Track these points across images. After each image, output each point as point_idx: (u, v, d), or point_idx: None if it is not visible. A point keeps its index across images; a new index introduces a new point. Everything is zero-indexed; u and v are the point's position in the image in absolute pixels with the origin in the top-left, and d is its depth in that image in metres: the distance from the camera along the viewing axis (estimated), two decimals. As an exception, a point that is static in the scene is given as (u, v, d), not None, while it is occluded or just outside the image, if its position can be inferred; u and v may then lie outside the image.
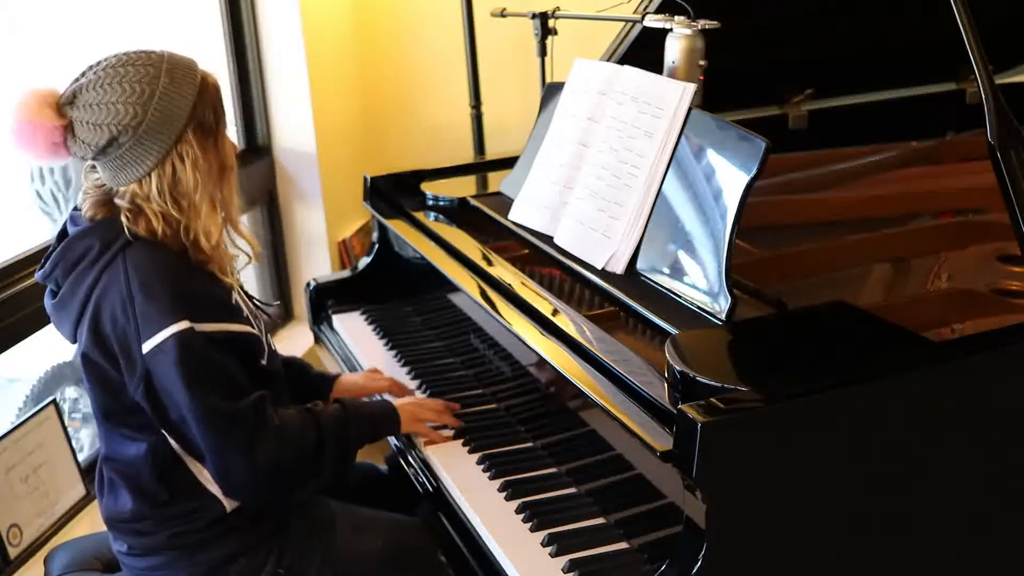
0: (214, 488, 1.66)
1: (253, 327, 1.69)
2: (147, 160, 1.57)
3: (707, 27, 1.86)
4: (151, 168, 1.57)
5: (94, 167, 1.64)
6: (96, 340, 1.60)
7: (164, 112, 1.56)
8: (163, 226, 1.60)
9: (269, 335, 1.77)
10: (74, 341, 1.66)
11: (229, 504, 1.67)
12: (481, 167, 2.66)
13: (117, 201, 1.62)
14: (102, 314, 1.59)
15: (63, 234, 1.68)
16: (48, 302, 1.68)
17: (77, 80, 1.58)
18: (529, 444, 1.84)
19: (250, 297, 1.77)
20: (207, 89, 1.62)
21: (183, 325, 1.55)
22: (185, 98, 1.58)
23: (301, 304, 3.21)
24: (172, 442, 1.64)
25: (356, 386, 2.07)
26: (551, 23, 2.51)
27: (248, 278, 3.24)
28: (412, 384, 2.12)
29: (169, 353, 1.54)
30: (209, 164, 1.62)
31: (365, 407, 1.85)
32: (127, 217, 1.60)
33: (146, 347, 1.55)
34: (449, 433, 1.89)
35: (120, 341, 1.58)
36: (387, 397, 2.05)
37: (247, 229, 1.77)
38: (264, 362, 1.70)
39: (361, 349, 2.32)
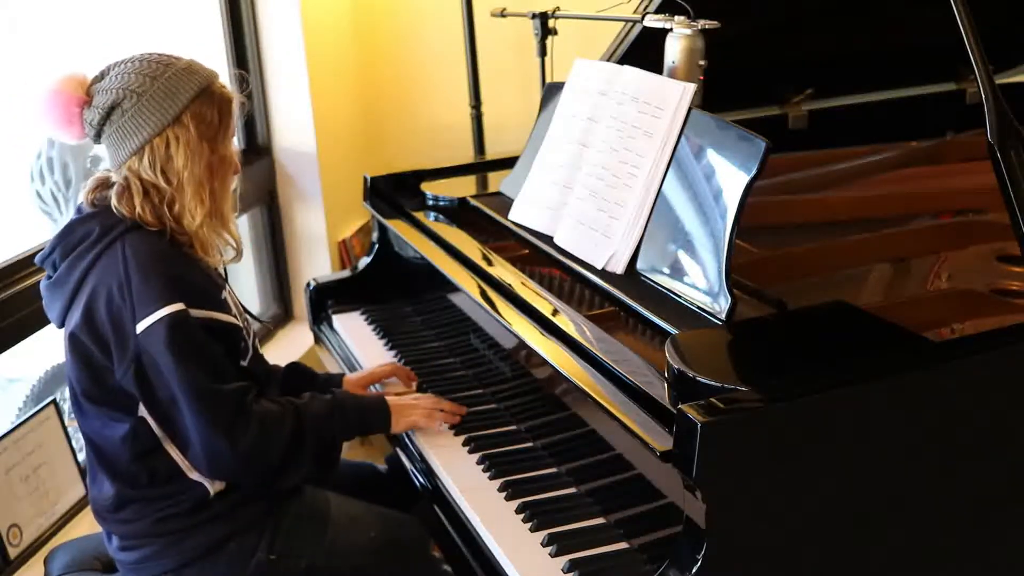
0: (195, 474, 1.68)
1: (239, 323, 1.73)
2: (144, 130, 1.63)
3: (707, 27, 1.86)
4: (147, 139, 1.64)
5: (107, 170, 1.71)
6: (88, 322, 1.63)
7: (168, 89, 1.64)
8: (143, 203, 1.65)
9: (256, 340, 1.81)
10: (61, 325, 1.70)
11: (213, 487, 1.69)
12: (481, 167, 2.67)
13: (113, 177, 1.68)
14: (97, 297, 1.62)
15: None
16: (43, 283, 1.72)
17: (108, 64, 1.68)
18: (529, 444, 1.84)
19: (238, 301, 1.81)
20: (216, 93, 1.70)
21: (178, 306, 1.60)
22: (192, 84, 1.66)
23: (301, 304, 3.21)
24: (152, 425, 1.66)
25: (361, 383, 2.11)
26: (551, 23, 2.51)
27: (248, 278, 3.24)
28: (412, 384, 2.12)
29: (162, 332, 1.58)
30: (203, 153, 1.68)
31: (354, 400, 1.87)
32: (116, 196, 1.66)
33: (140, 327, 1.59)
34: (443, 426, 1.90)
35: (114, 323, 1.61)
36: (386, 389, 2.08)
37: (235, 227, 1.81)
38: (245, 363, 1.74)
39: (361, 349, 2.32)
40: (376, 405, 1.88)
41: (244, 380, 1.69)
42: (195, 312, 1.62)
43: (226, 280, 1.80)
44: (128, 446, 1.66)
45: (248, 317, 1.84)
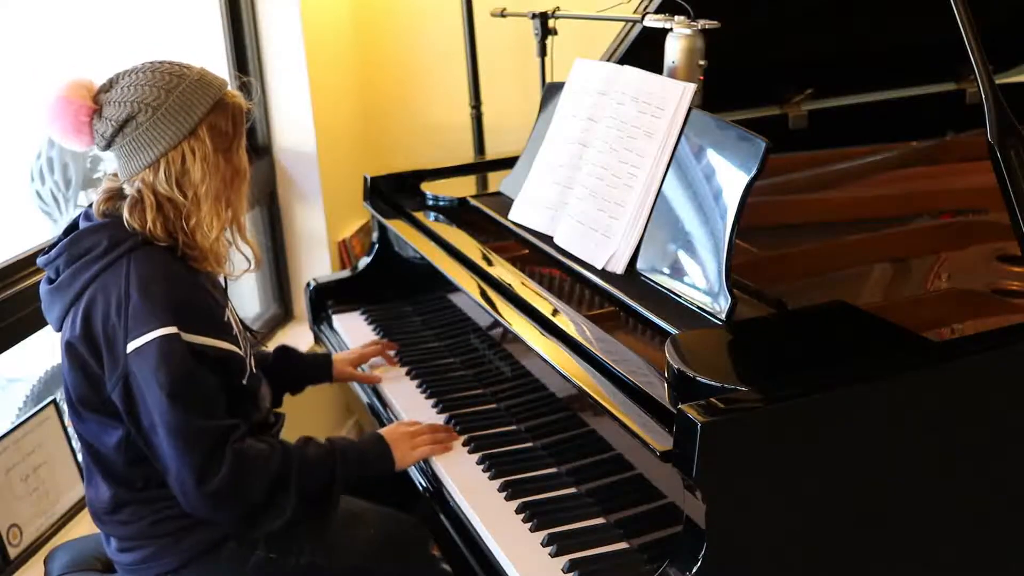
0: None
1: (239, 347, 1.71)
2: (159, 144, 1.62)
3: (707, 27, 1.86)
4: (162, 153, 1.62)
5: (114, 175, 1.69)
6: (84, 333, 1.62)
7: (184, 102, 1.62)
8: (155, 217, 1.63)
9: (252, 357, 1.79)
10: (58, 329, 1.69)
11: None
12: (481, 167, 2.67)
13: (126, 188, 1.66)
14: (95, 309, 1.61)
15: (73, 227, 1.71)
16: (43, 287, 1.71)
17: (116, 73, 1.66)
18: (529, 444, 1.84)
19: (239, 318, 1.80)
20: (229, 103, 1.68)
21: (170, 329, 1.58)
22: (207, 97, 1.64)
23: (301, 304, 3.20)
24: None
25: (351, 361, 2.17)
26: (551, 23, 2.51)
27: (248, 278, 3.24)
28: (412, 384, 2.13)
29: (151, 356, 1.56)
30: (219, 165, 1.67)
31: (355, 449, 1.79)
32: (128, 209, 1.64)
33: (131, 346, 1.58)
34: (449, 445, 1.87)
35: (108, 338, 1.60)
36: (373, 372, 2.11)
37: (252, 236, 1.80)
38: (244, 382, 1.72)
39: (361, 349, 2.32)
40: (376, 452, 1.80)
41: (238, 408, 1.67)
42: (190, 337, 1.60)
43: (227, 297, 1.79)
44: (123, 452, 1.66)
45: (248, 334, 1.82)
